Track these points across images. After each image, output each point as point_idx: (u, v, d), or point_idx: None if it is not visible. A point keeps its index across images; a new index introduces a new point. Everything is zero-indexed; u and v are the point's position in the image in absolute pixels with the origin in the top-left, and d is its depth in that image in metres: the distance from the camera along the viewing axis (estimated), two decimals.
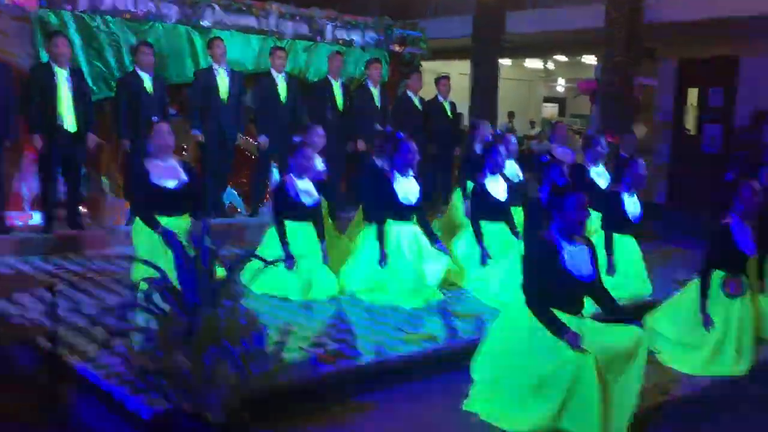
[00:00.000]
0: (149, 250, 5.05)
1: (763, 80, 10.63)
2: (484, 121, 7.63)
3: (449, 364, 4.40)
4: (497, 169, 5.95)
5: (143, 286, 3.42)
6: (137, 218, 5.30)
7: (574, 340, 3.54)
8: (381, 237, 5.45)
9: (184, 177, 5.31)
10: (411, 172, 5.61)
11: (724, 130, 11.47)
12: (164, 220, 5.07)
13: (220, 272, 3.74)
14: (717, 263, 4.81)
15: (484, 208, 5.88)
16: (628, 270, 5.81)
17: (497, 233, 5.91)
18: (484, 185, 5.90)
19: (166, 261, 3.65)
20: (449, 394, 4.04)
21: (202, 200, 5.92)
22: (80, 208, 6.93)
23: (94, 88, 7.06)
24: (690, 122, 12.19)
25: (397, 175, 5.56)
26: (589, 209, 6.08)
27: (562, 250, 3.75)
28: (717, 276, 4.80)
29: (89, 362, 3.78)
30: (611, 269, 5.62)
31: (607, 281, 5.62)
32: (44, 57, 6.61)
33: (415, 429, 3.69)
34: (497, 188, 5.93)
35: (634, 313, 5.22)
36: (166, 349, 3.16)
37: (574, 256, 3.76)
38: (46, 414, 3.65)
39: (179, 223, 5.17)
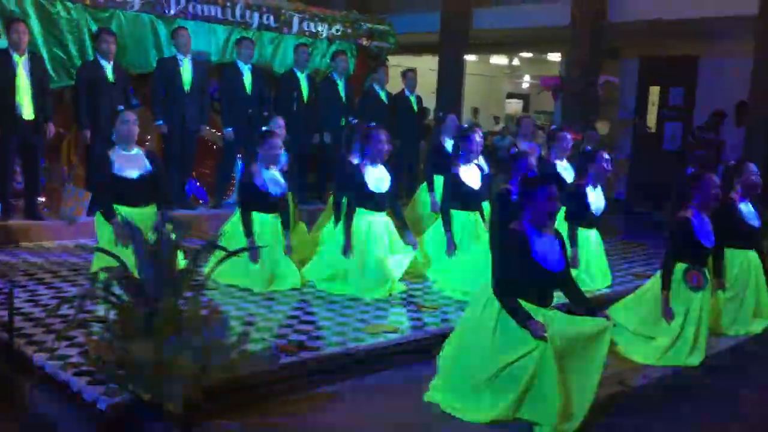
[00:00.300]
0: (112, 240, 5.00)
1: (722, 80, 10.89)
2: (451, 114, 7.66)
3: (412, 356, 4.45)
4: (472, 156, 5.94)
5: (102, 275, 3.38)
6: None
7: (537, 329, 3.58)
8: (347, 227, 5.44)
9: (147, 166, 5.26)
10: (381, 162, 5.57)
11: (684, 128, 11.72)
12: (127, 211, 4.99)
13: (183, 263, 3.71)
14: (679, 256, 4.88)
15: (456, 196, 5.85)
16: (590, 263, 5.92)
17: (467, 223, 5.92)
18: (457, 173, 5.88)
19: (129, 251, 3.60)
20: (411, 385, 4.06)
21: (166, 190, 5.85)
22: (39, 198, 6.81)
23: (54, 75, 6.92)
24: (651, 120, 12.42)
25: (367, 164, 5.53)
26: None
27: (532, 242, 3.78)
28: (679, 269, 4.88)
29: (47, 353, 3.73)
30: (575, 262, 5.72)
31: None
32: (3, 43, 6.46)
33: (377, 420, 3.70)
34: (471, 177, 5.92)
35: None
36: (125, 339, 3.13)
37: (543, 247, 3.80)
38: (2, 405, 3.59)
39: (142, 213, 5.12)
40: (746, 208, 5.59)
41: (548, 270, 3.78)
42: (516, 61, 19.68)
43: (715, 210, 5.44)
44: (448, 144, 7.21)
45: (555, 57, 16.07)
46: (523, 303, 3.71)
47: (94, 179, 5.68)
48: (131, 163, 5.21)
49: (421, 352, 4.45)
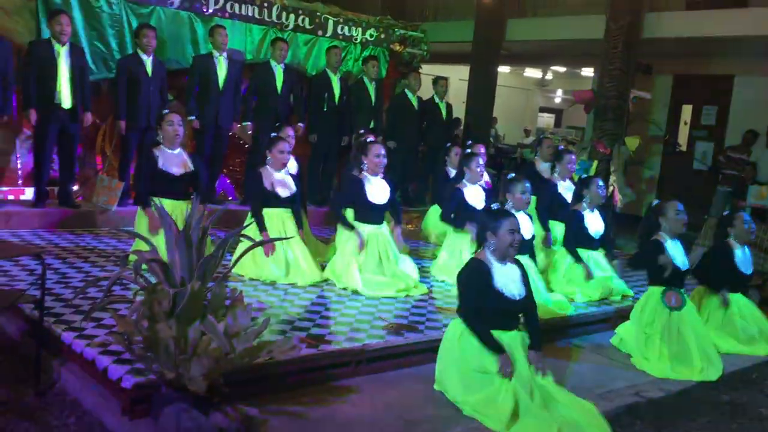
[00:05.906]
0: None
1: (756, 99, 10.77)
2: (456, 148, 7.67)
3: (428, 355, 4.48)
4: (476, 178, 6.09)
5: (132, 258, 3.48)
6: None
7: (503, 365, 3.72)
8: (348, 227, 5.60)
9: (190, 167, 5.63)
10: (381, 174, 5.73)
11: (716, 147, 11.60)
12: (166, 203, 5.24)
13: (210, 249, 3.80)
14: (655, 278, 5.11)
15: (460, 214, 5.95)
16: (610, 279, 5.98)
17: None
18: (462, 191, 6.00)
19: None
20: (426, 382, 4.11)
21: (204, 189, 6.05)
22: (73, 186, 6.98)
23: (94, 67, 7.12)
24: (682, 138, 12.32)
25: (368, 176, 5.69)
26: (558, 221, 6.37)
27: (493, 271, 3.93)
28: (657, 291, 5.07)
29: (75, 332, 3.84)
30: (588, 274, 5.83)
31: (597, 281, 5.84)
32: (45, 34, 6.65)
33: (390, 411, 3.75)
34: (475, 197, 6.03)
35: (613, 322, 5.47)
36: (151, 320, 3.22)
37: (505, 276, 3.95)
38: (30, 382, 3.70)
39: (180, 206, 5.43)
40: (741, 254, 5.68)
41: (509, 298, 3.92)
42: (549, 75, 19.66)
43: (711, 253, 5.60)
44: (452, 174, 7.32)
45: (588, 72, 16.03)
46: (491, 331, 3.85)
47: (137, 171, 5.99)
48: (175, 160, 5.56)
49: (436, 351, 4.48)
